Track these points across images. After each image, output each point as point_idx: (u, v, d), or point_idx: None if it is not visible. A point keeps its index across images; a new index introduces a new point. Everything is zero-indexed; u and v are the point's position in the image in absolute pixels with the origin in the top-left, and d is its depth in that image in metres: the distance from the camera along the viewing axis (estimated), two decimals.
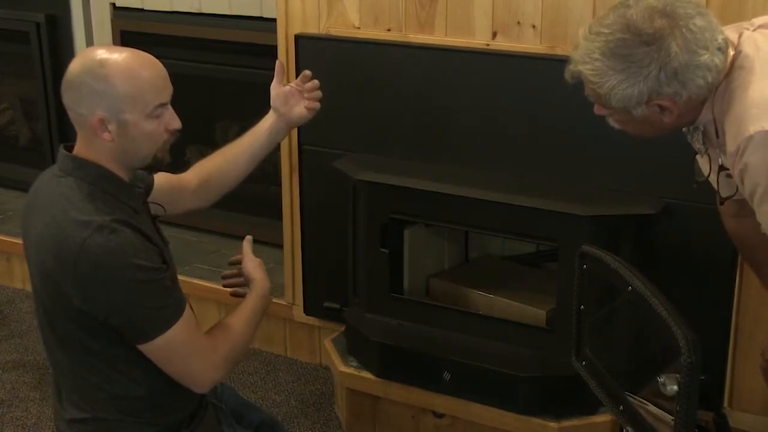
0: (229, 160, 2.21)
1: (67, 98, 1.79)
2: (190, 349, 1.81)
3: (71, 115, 1.80)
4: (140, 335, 1.77)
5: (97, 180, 1.79)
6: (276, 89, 2.23)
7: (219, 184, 2.21)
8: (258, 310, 1.97)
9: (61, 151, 1.84)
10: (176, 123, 1.83)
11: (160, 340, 1.77)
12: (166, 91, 1.81)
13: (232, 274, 2.10)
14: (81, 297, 1.74)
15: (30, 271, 1.87)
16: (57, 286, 1.77)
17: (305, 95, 2.25)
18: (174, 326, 1.77)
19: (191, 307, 1.86)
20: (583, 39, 1.72)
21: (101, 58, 1.76)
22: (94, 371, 1.83)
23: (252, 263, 2.03)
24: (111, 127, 1.76)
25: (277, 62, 2.28)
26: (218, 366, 1.85)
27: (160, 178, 2.07)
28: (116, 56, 1.77)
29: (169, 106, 1.82)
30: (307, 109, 2.25)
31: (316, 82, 2.26)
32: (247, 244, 2.07)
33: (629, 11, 1.68)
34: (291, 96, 2.23)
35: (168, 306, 1.77)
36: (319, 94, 2.26)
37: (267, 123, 2.23)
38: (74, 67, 1.79)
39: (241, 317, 1.93)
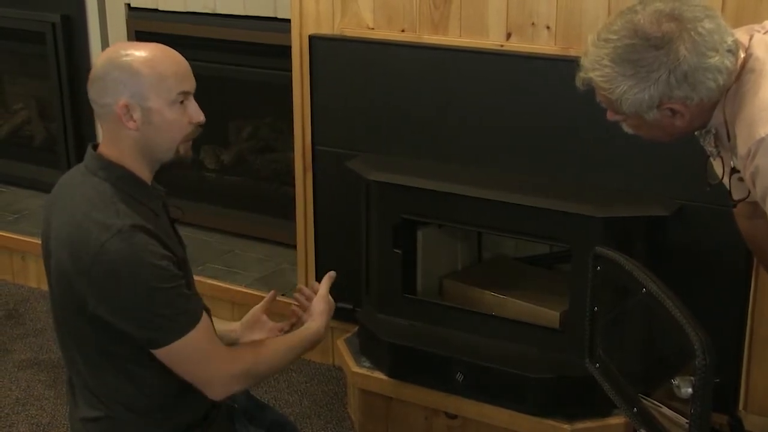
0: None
1: (93, 91, 1.82)
2: (204, 356, 1.81)
3: (96, 109, 1.82)
4: (154, 341, 1.77)
5: (119, 181, 1.80)
6: (257, 312, 2.17)
7: None
8: (305, 343, 2.01)
9: (89, 150, 1.86)
10: (200, 116, 1.84)
11: (175, 346, 1.77)
12: (189, 80, 1.84)
13: (304, 299, 2.14)
14: (95, 300, 1.75)
15: (46, 268, 1.88)
16: (71, 286, 1.77)
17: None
18: (189, 333, 1.77)
19: (209, 315, 1.86)
20: (592, 46, 1.71)
21: (126, 51, 1.81)
22: (106, 370, 1.84)
23: (321, 306, 2.09)
24: (135, 115, 1.78)
25: (272, 292, 2.21)
26: (235, 377, 1.85)
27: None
28: (140, 48, 1.82)
29: (193, 99, 1.84)
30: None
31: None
32: (326, 281, 2.14)
33: (636, 16, 1.67)
34: (259, 323, 2.17)
35: (184, 312, 1.77)
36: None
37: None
38: (99, 61, 1.83)
39: (284, 340, 1.98)
